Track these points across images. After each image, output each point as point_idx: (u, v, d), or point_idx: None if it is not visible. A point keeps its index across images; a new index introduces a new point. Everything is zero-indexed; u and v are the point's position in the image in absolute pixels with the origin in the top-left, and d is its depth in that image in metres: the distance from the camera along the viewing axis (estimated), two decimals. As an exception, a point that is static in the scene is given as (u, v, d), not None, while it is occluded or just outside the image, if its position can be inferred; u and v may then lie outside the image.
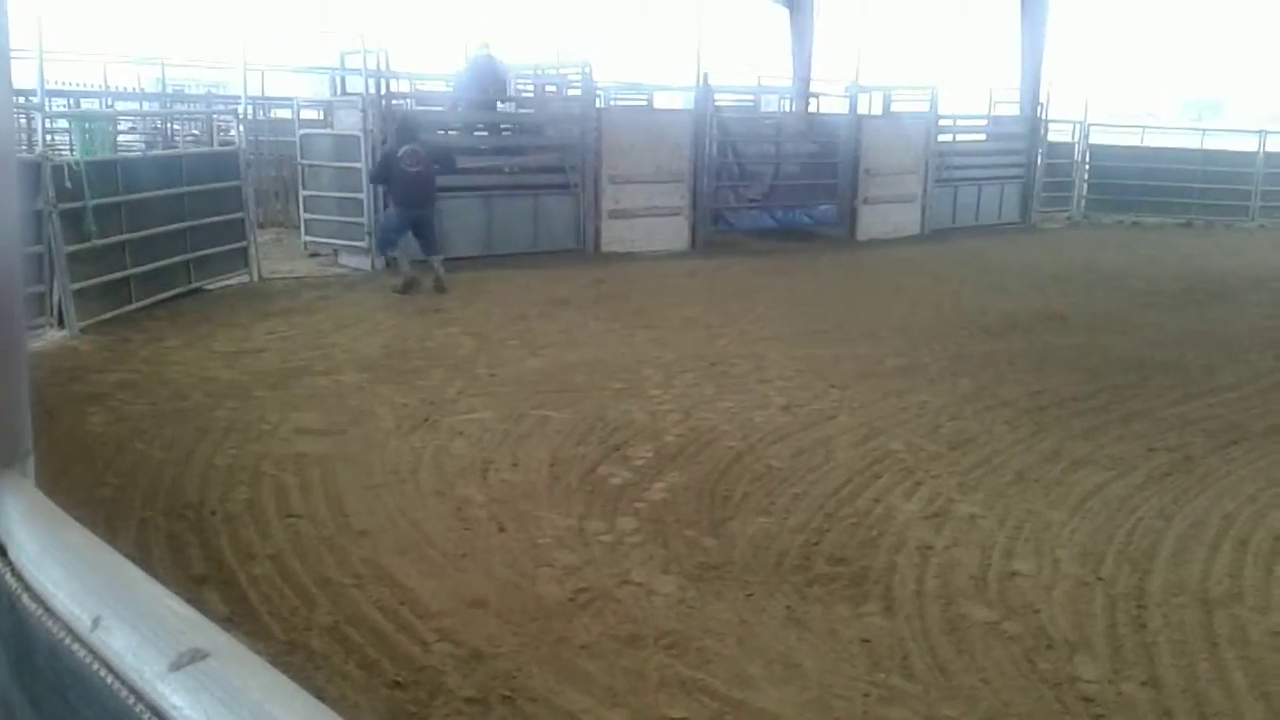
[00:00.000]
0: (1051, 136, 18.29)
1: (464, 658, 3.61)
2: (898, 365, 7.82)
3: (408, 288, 10.23)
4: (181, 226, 9.67)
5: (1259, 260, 14.22)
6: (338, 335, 8.39)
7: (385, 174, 10.48)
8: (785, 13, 18.70)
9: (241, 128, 11.60)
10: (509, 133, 13.50)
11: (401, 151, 10.29)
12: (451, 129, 12.84)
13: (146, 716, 0.63)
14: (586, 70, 13.27)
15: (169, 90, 17.80)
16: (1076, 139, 18.82)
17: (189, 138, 15.74)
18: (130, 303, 8.89)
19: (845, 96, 15.80)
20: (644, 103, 17.08)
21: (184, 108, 17.46)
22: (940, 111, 16.19)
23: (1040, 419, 6.51)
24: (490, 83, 12.87)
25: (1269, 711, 3.41)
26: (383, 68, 13.00)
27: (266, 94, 16.41)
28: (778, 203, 15.26)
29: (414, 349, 7.98)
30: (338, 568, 4.29)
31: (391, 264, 10.70)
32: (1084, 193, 18.93)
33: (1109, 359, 8.19)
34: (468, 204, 12.10)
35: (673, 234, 13.45)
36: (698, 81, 13.93)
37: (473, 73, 12.84)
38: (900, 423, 6.38)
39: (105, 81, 17.33)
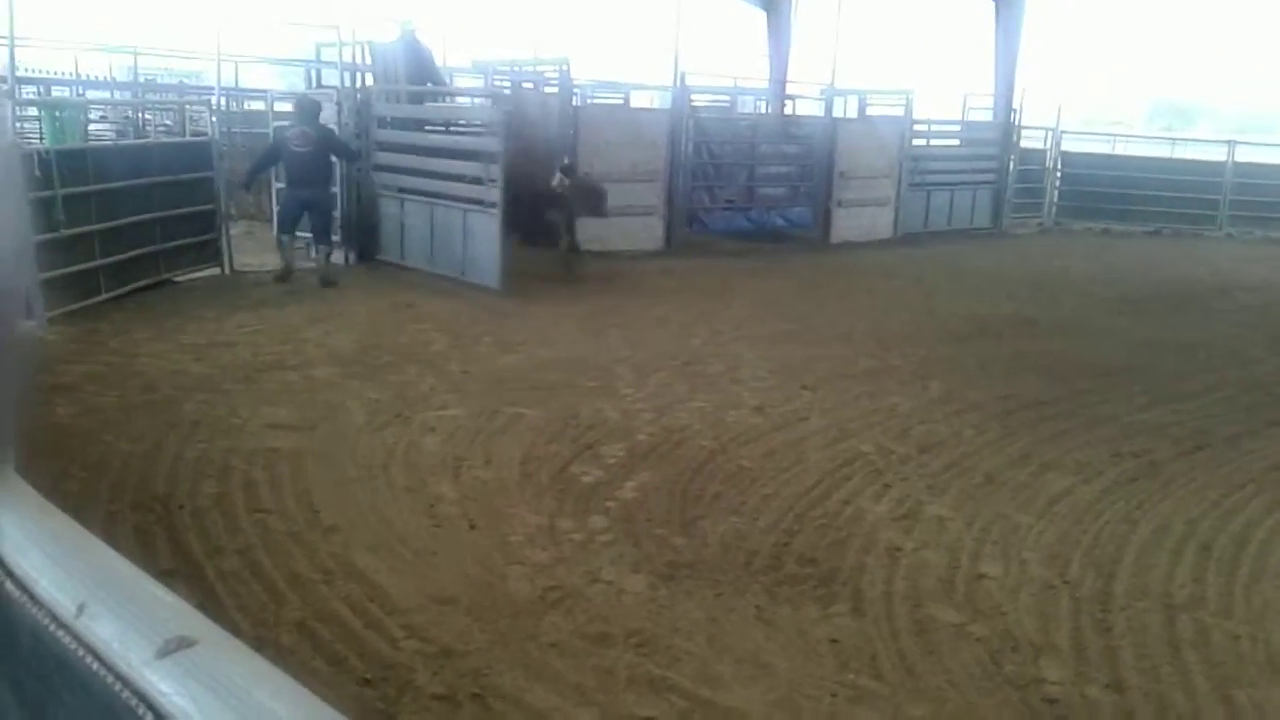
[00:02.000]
0: (1024, 143, 18.42)
1: (433, 655, 3.61)
2: (869, 367, 7.87)
3: (282, 277, 10.25)
4: (152, 217, 9.58)
5: (1226, 269, 14.41)
6: (309, 329, 8.34)
7: (275, 157, 10.61)
8: (763, 15, 18.77)
9: (214, 119, 11.51)
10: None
11: (290, 132, 10.42)
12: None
13: (133, 703, 0.63)
14: (564, 67, 13.24)
15: (141, 80, 17.61)
16: (1049, 146, 18.99)
17: (161, 128, 15.59)
18: (99, 294, 8.81)
19: (821, 99, 15.87)
20: (620, 101, 17.07)
21: (156, 98, 17.28)
22: (915, 116, 16.29)
23: (1009, 423, 6.57)
24: (415, 67, 12.64)
25: (1230, 715, 3.47)
26: (359, 61, 12.90)
27: (240, 85, 16.28)
28: (752, 204, 15.30)
29: (386, 344, 7.95)
30: (307, 563, 4.27)
31: (280, 248, 10.54)
32: (1055, 199, 19.10)
33: (1078, 364, 8.28)
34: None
35: (648, 233, 13.45)
36: (674, 81, 13.95)
37: (386, 56, 12.51)
38: (871, 425, 6.42)
39: (76, 70, 17.13)
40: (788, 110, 16.63)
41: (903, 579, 4.35)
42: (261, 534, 4.54)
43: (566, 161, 11.44)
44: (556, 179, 11.18)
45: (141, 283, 9.40)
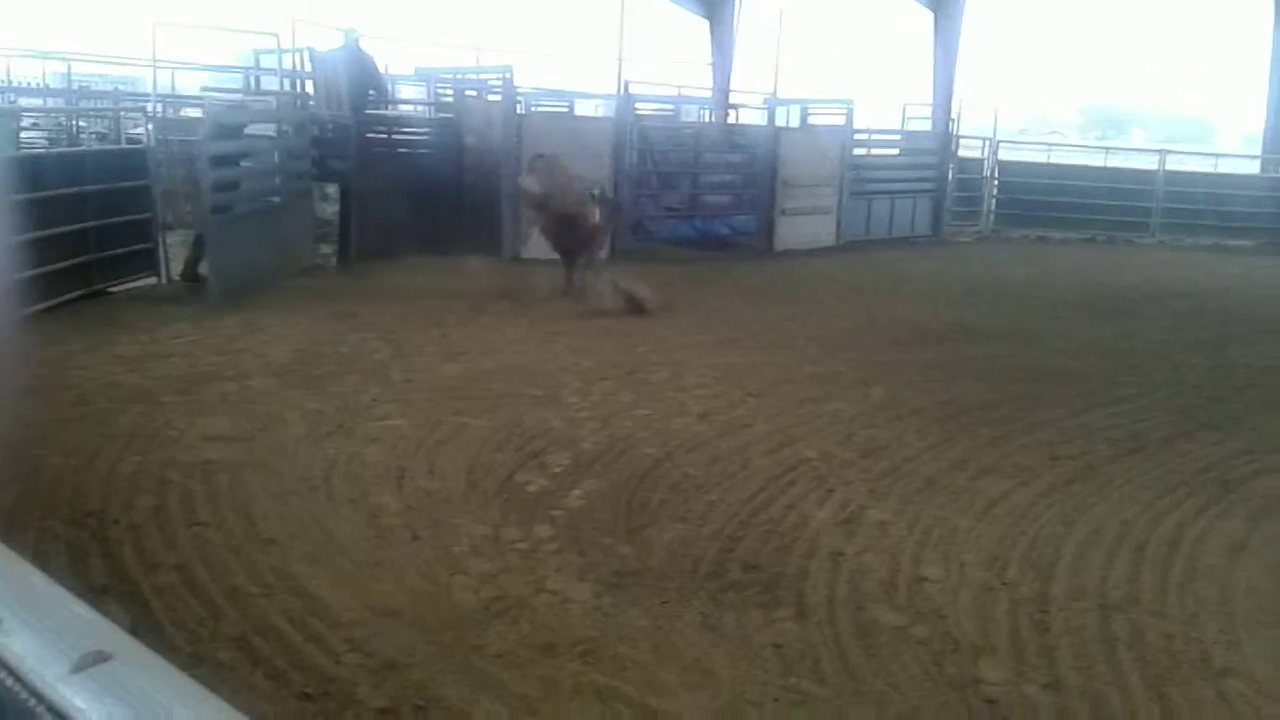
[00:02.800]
0: (962, 152, 18.73)
1: (376, 668, 3.56)
2: (813, 374, 7.93)
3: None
4: (85, 226, 9.38)
5: (1158, 275, 14.72)
6: (248, 339, 8.22)
7: None
8: (705, 24, 18.90)
9: (150, 126, 11.32)
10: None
11: None
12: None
13: (48, 719, 0.62)
14: (507, 75, 13.22)
15: (75, 86, 17.26)
16: (986, 155, 19.31)
17: (94, 135, 15.30)
18: (30, 305, 8.59)
19: (763, 108, 16.00)
20: (565, 110, 17.07)
21: (90, 104, 16.95)
22: (855, 125, 16.49)
23: (949, 427, 6.66)
24: (359, 75, 12.59)
25: (1164, 712, 3.54)
26: (298, 68, 12.78)
27: (177, 92, 16.03)
28: (696, 213, 15.36)
29: (327, 354, 7.86)
30: (246, 577, 4.20)
31: None
32: (993, 208, 19.40)
33: (1016, 369, 8.42)
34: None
35: (592, 242, 13.43)
36: (619, 90, 13.98)
37: (327, 64, 12.44)
38: (814, 431, 6.47)
39: (8, 76, 16.76)
40: (731, 119, 16.76)
41: (845, 583, 4.38)
42: (199, 548, 4.46)
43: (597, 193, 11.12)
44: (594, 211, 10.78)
45: (74, 293, 9.20)
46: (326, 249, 11.88)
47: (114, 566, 4.25)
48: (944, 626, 4.03)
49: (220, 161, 10.07)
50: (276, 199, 11.47)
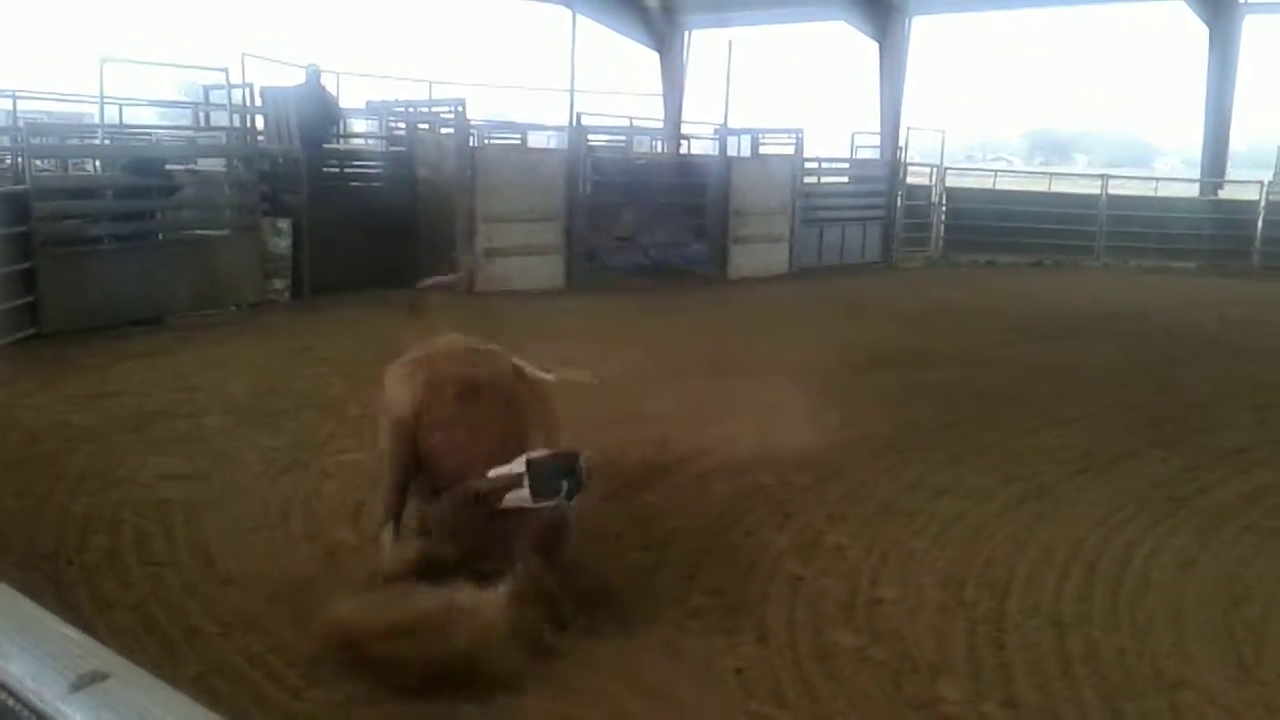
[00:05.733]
0: (910, 179, 19.00)
1: (338, 704, 3.54)
2: (769, 400, 7.97)
3: None
4: (32, 265, 9.25)
5: (1104, 297, 15.00)
6: (200, 376, 8.14)
7: None
8: (656, 56, 19.09)
9: (98, 162, 11.22)
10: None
11: None
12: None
13: (51, 737, 0.64)
14: (460, 108, 13.26)
15: (21, 123, 17.03)
16: (934, 182, 19.59)
17: (43, 173, 15.07)
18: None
19: (714, 138, 16.17)
20: (518, 141, 17.14)
21: (39, 141, 16.71)
22: (805, 154, 16.70)
23: (903, 451, 6.74)
24: (320, 111, 12.59)
25: (1118, 726, 3.60)
26: (248, 103, 12.73)
27: (126, 127, 15.88)
28: (649, 242, 15.44)
29: (282, 390, 7.80)
30: (203, 617, 4.16)
31: None
32: (941, 233, 19.66)
33: (968, 392, 8.53)
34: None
35: (548, 272, 13.50)
36: (571, 121, 14.08)
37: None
38: (772, 457, 6.50)
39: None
40: (683, 149, 16.91)
41: (805, 606, 4.42)
42: (155, 588, 4.41)
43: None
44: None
45: (21, 334, 9.05)
46: (279, 284, 11.79)
47: (69, 608, 4.18)
48: (902, 647, 4.08)
49: (52, 194, 9.86)
50: (160, 235, 11.07)
